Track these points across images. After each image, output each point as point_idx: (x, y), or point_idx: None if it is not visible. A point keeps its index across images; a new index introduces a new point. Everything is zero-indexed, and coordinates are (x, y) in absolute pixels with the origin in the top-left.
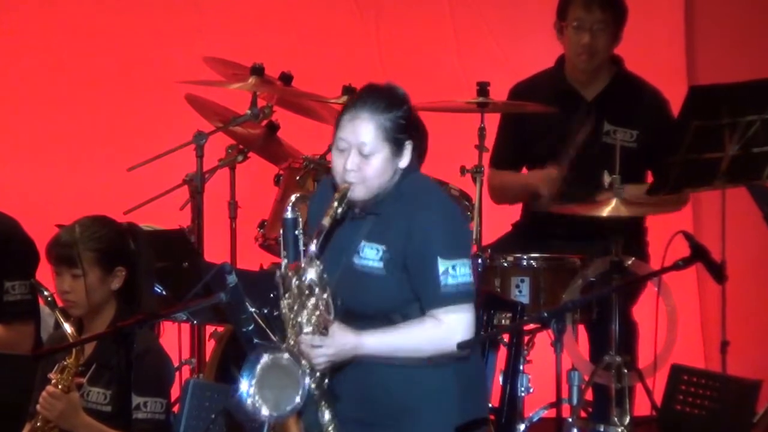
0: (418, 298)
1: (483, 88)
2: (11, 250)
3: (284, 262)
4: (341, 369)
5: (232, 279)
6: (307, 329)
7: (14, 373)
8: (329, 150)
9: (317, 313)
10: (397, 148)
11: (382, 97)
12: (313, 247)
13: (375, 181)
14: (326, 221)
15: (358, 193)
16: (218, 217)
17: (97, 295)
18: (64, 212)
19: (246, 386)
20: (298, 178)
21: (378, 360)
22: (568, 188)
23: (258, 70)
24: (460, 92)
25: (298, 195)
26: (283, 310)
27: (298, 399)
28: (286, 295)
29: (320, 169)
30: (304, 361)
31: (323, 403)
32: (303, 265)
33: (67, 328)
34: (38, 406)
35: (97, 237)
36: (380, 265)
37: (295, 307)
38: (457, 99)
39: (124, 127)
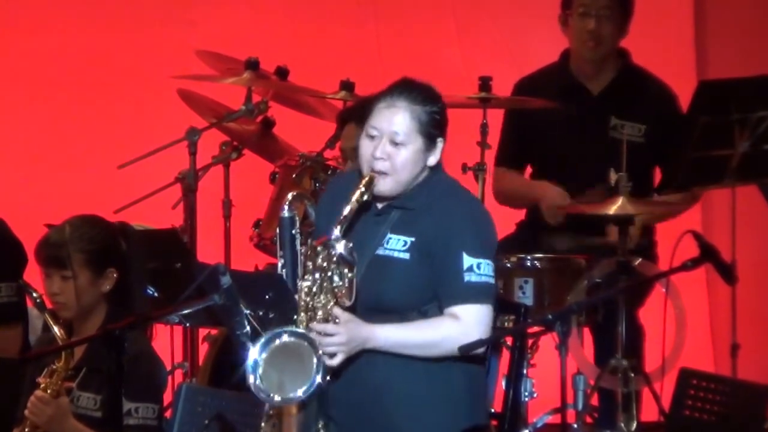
0: (438, 297)
1: (485, 83)
2: None
3: (281, 262)
4: (350, 372)
5: (226, 280)
6: (320, 315)
7: (1, 377)
8: (326, 147)
9: (337, 296)
10: (429, 143)
11: (419, 90)
12: (337, 232)
13: (403, 173)
14: (352, 205)
15: (385, 185)
16: (212, 216)
17: (87, 297)
18: (54, 211)
19: (256, 355)
20: (294, 175)
21: (389, 363)
22: (574, 185)
23: (253, 65)
24: (462, 87)
25: (294, 193)
26: (300, 293)
27: (300, 393)
28: (306, 277)
29: (317, 166)
30: (321, 354)
31: (319, 413)
32: (332, 239)
33: (57, 330)
34: (26, 411)
35: (88, 237)
36: (406, 255)
37: (314, 289)
38: (459, 94)
39: (114, 124)
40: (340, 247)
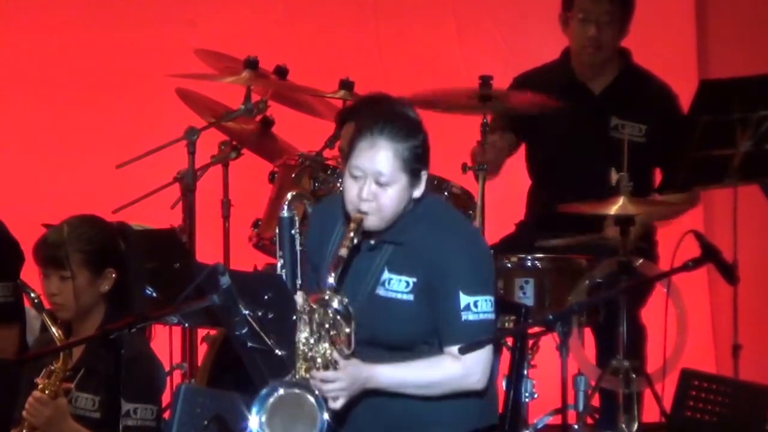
0: (438, 334)
1: (486, 82)
2: None
3: (280, 262)
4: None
5: (225, 280)
6: (319, 361)
7: None
8: (326, 146)
9: (334, 344)
10: (413, 179)
11: (400, 125)
12: (331, 280)
13: (389, 211)
14: (343, 252)
15: (372, 222)
16: (211, 216)
17: (85, 298)
18: (51, 211)
19: (256, 425)
20: (293, 175)
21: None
22: (574, 185)
23: (252, 64)
24: (462, 86)
25: (294, 193)
26: (297, 344)
27: None
28: (303, 328)
29: (316, 166)
30: (318, 394)
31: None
32: (327, 296)
33: (55, 331)
34: (24, 412)
35: (87, 237)
36: (410, 297)
37: (312, 341)
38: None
39: (112, 123)
40: (335, 303)
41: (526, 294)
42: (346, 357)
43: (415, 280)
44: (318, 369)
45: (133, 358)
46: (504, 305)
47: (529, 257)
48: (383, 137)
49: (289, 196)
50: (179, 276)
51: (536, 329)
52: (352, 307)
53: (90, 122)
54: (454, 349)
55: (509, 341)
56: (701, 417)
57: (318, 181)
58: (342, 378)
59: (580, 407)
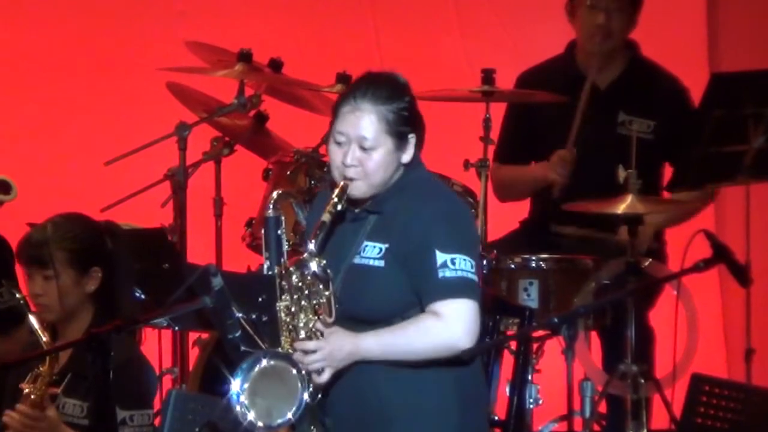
0: (419, 300)
1: (488, 76)
2: None
3: (267, 263)
4: (337, 382)
5: (217, 282)
6: (303, 334)
7: None
8: (322, 143)
9: (317, 314)
10: (399, 142)
11: (383, 87)
12: (311, 246)
13: (376, 176)
14: (326, 217)
15: (359, 189)
16: (202, 214)
17: (71, 299)
18: (37, 209)
19: (237, 388)
20: (288, 172)
21: (377, 372)
22: (580, 183)
23: (245, 56)
24: (464, 80)
25: (280, 191)
26: (279, 314)
27: (290, 415)
28: (283, 297)
29: (312, 163)
30: (303, 372)
31: (314, 421)
32: (304, 258)
33: (41, 333)
34: (11, 429)
35: (71, 236)
36: (381, 263)
37: (293, 309)
38: (461, 87)
39: (101, 118)
40: (314, 266)
41: (530, 296)
42: (329, 325)
43: (387, 245)
44: (301, 340)
45: (124, 363)
46: (507, 307)
47: (534, 257)
48: (366, 100)
49: (274, 194)
50: (169, 277)
51: (541, 332)
52: (336, 279)
53: (78, 118)
54: (433, 306)
55: (513, 345)
56: (712, 423)
57: (314, 179)
58: (323, 347)
59: (587, 414)
